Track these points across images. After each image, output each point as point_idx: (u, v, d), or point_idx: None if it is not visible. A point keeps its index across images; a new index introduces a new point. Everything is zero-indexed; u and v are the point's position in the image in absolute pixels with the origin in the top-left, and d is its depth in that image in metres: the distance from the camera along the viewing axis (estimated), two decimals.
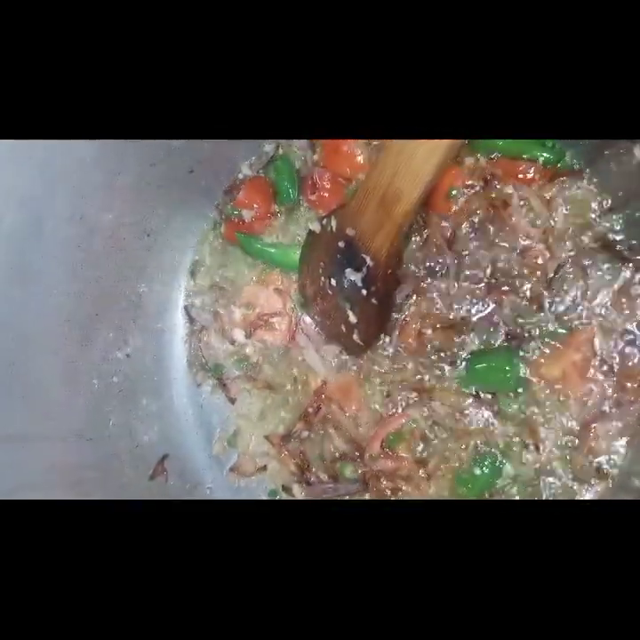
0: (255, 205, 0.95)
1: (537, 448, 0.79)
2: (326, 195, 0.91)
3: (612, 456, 0.77)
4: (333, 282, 0.81)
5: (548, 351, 0.79)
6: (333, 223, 0.79)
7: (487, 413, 0.81)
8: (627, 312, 0.76)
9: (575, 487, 0.77)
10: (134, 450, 0.90)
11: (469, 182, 0.82)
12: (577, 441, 0.78)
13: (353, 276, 0.78)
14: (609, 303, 0.77)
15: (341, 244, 0.78)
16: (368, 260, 0.75)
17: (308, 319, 0.93)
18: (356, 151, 0.89)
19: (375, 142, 0.87)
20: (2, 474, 0.69)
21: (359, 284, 0.78)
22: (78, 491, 0.78)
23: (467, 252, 0.82)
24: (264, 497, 0.94)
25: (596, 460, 0.77)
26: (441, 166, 0.63)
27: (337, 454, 0.90)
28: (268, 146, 0.96)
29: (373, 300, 0.78)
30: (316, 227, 0.83)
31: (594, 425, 0.77)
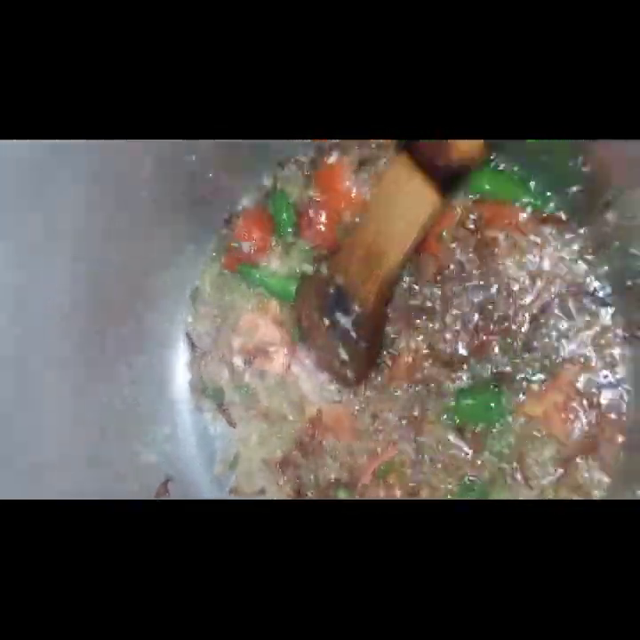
0: (254, 237, 0.98)
1: (525, 480, 0.82)
2: (322, 230, 0.94)
3: (594, 490, 0.80)
4: (326, 321, 0.84)
5: (532, 389, 0.82)
6: (324, 269, 0.82)
7: (472, 448, 0.84)
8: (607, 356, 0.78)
9: None
10: (138, 473, 0.94)
11: (461, 221, 0.85)
12: (561, 472, 0.81)
13: (342, 320, 0.81)
14: (593, 344, 0.79)
15: (331, 290, 0.81)
16: (356, 306, 0.78)
17: (303, 350, 0.96)
18: (352, 188, 0.92)
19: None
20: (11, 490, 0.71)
21: (349, 327, 0.81)
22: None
23: (455, 292, 0.84)
24: None
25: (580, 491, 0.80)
26: (424, 229, 0.65)
27: (331, 480, 0.94)
28: (267, 180, 0.99)
29: (362, 343, 0.81)
30: (307, 269, 0.86)
31: (576, 459, 0.80)
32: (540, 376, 0.81)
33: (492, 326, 0.82)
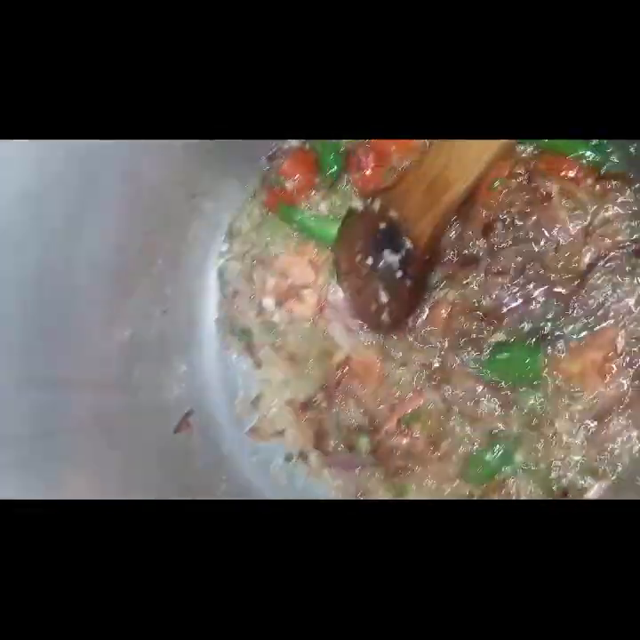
0: (298, 176, 0.97)
1: (553, 439, 0.81)
2: (369, 173, 0.93)
3: (624, 451, 0.79)
4: (369, 261, 0.83)
5: (570, 347, 0.81)
6: (376, 204, 0.81)
7: (502, 402, 0.84)
8: None
9: (586, 481, 0.79)
10: (163, 403, 0.94)
11: (515, 171, 0.83)
12: (591, 433, 0.80)
13: (390, 258, 0.80)
14: (635, 305, 0.78)
15: (382, 226, 0.80)
16: (408, 243, 0.77)
17: (338, 294, 0.95)
18: None
19: None
20: (42, 415, 0.72)
21: (395, 266, 0.80)
22: (109, 439, 0.82)
23: (502, 245, 0.83)
24: (280, 461, 0.98)
25: (609, 452, 0.79)
26: (492, 163, 0.65)
27: (353, 426, 0.93)
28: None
29: (407, 283, 0.80)
30: (358, 205, 0.85)
31: (609, 419, 0.79)
32: (582, 334, 0.80)
33: (537, 281, 0.81)
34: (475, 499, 0.84)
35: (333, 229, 0.92)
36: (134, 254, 0.87)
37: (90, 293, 0.79)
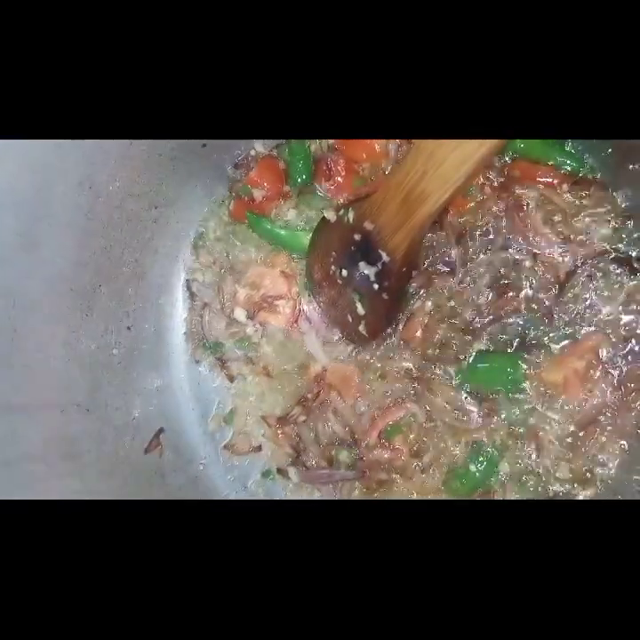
0: (266, 185, 0.94)
1: (537, 449, 0.80)
2: (340, 181, 0.90)
3: (608, 460, 0.79)
4: (344, 272, 0.80)
5: (551, 356, 0.80)
6: (351, 215, 0.78)
7: (484, 412, 0.82)
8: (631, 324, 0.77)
9: (572, 489, 0.78)
10: (131, 422, 0.90)
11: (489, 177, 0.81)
12: (576, 441, 0.80)
13: (366, 270, 0.78)
14: (618, 312, 0.78)
15: (357, 237, 0.77)
16: (384, 256, 0.75)
17: (312, 305, 0.92)
18: None
19: None
20: (2, 443, 0.68)
21: (371, 278, 0.78)
22: (76, 463, 0.78)
23: (479, 254, 0.81)
24: (257, 477, 0.95)
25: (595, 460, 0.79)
26: (472, 173, 0.62)
27: (333, 440, 0.91)
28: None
29: (384, 295, 0.78)
30: (331, 216, 0.82)
31: (592, 428, 0.79)
32: (564, 342, 0.79)
33: (515, 290, 0.80)
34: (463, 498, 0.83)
35: (305, 240, 0.89)
36: (94, 268, 0.83)
37: (47, 310, 0.76)
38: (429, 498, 0.84)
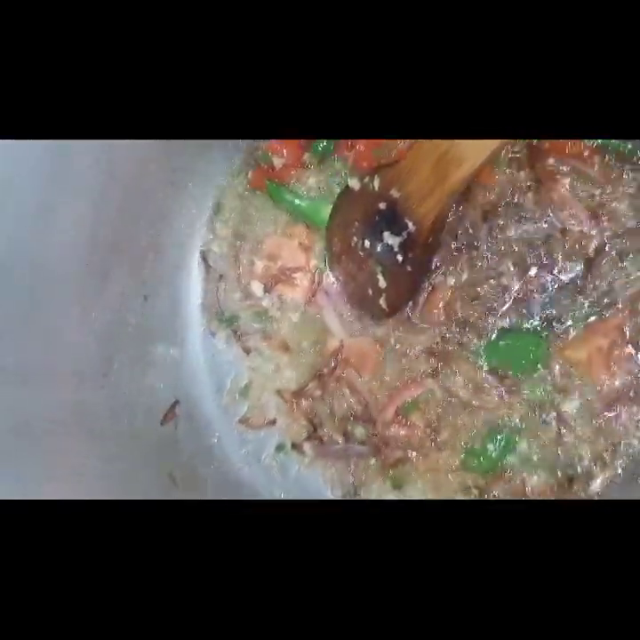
0: (286, 152, 0.91)
1: (558, 428, 0.78)
2: (362, 149, 0.88)
3: (631, 440, 0.77)
4: (366, 243, 0.79)
5: (575, 334, 0.78)
6: (376, 182, 0.76)
7: (504, 390, 0.81)
8: None
9: (593, 469, 0.77)
10: (146, 393, 0.89)
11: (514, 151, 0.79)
12: (598, 421, 0.78)
13: (390, 240, 0.76)
14: None
15: (382, 206, 0.76)
16: (410, 225, 0.73)
17: (331, 278, 0.91)
18: None
19: None
20: (19, 409, 0.68)
21: (395, 249, 0.76)
22: (91, 432, 0.78)
23: (504, 227, 0.79)
24: (271, 450, 0.94)
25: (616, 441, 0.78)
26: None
27: (349, 415, 0.90)
28: None
29: (408, 267, 0.76)
30: (355, 183, 0.80)
31: (616, 408, 0.77)
32: (589, 320, 0.77)
33: (542, 267, 0.78)
34: (473, 498, 0.82)
35: (325, 211, 0.87)
36: (110, 237, 0.81)
37: (64, 280, 0.75)
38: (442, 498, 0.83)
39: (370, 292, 0.82)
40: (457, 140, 0.63)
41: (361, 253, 0.80)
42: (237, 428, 0.96)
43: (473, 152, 0.63)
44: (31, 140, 0.62)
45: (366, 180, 0.79)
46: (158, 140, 0.82)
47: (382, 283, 0.80)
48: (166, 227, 0.92)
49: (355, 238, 0.80)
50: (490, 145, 0.62)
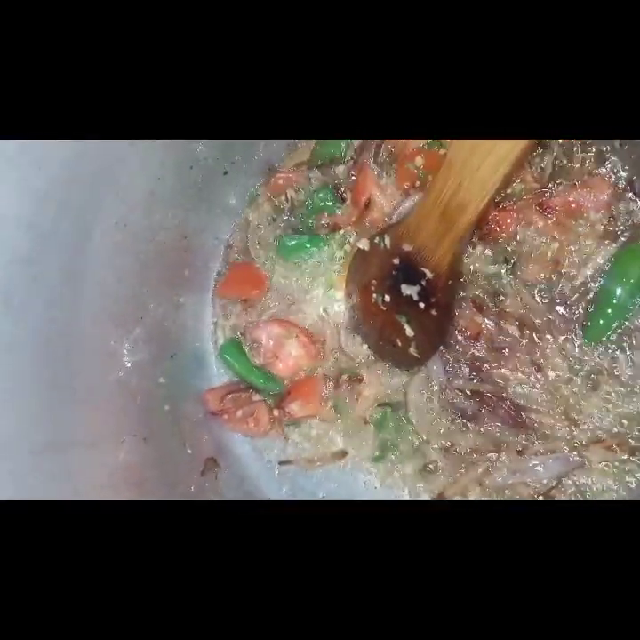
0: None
1: None
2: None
3: None
4: (387, 298, 0.81)
5: None
6: (387, 240, 0.79)
7: None
8: None
9: None
10: (185, 450, 0.91)
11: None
12: None
13: (408, 291, 0.77)
14: None
15: (396, 261, 0.78)
16: (427, 272, 0.75)
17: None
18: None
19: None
20: (73, 477, 0.70)
21: (415, 298, 0.77)
22: (141, 490, 0.80)
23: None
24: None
25: None
26: (509, 174, 0.62)
27: None
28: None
29: (433, 311, 0.78)
30: (365, 244, 0.83)
31: None
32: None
33: None
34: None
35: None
36: (134, 302, 0.85)
37: (96, 345, 0.77)
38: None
39: (399, 342, 0.83)
40: (462, 186, 0.65)
41: (383, 308, 0.82)
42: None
43: (475, 195, 0.65)
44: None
45: (377, 239, 0.81)
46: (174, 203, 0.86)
47: (410, 331, 0.81)
48: (183, 285, 0.95)
49: (374, 296, 0.82)
50: (491, 184, 0.64)
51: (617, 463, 0.79)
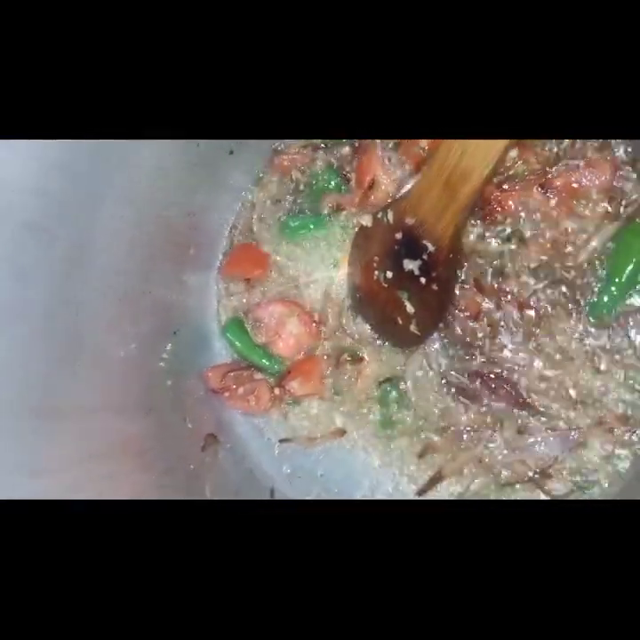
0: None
1: None
2: None
3: None
4: (388, 274, 0.81)
5: None
6: (390, 215, 0.79)
7: None
8: None
9: None
10: (186, 425, 0.91)
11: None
12: None
13: (410, 266, 0.78)
14: None
15: (399, 236, 0.78)
16: (430, 245, 0.75)
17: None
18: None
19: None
20: (74, 444, 0.70)
21: (416, 272, 0.78)
22: (142, 461, 0.81)
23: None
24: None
25: None
26: (509, 145, 0.65)
27: None
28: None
29: (434, 286, 0.78)
30: (367, 220, 0.83)
31: None
32: None
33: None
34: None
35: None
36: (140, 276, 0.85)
37: (103, 319, 0.77)
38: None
39: (400, 320, 0.83)
40: (465, 153, 0.66)
41: (385, 285, 0.82)
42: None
43: (479, 162, 0.66)
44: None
45: (380, 214, 0.82)
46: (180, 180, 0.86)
47: (410, 308, 0.81)
48: (188, 261, 0.95)
49: (376, 273, 0.83)
50: (495, 151, 0.64)
51: (616, 442, 0.79)
